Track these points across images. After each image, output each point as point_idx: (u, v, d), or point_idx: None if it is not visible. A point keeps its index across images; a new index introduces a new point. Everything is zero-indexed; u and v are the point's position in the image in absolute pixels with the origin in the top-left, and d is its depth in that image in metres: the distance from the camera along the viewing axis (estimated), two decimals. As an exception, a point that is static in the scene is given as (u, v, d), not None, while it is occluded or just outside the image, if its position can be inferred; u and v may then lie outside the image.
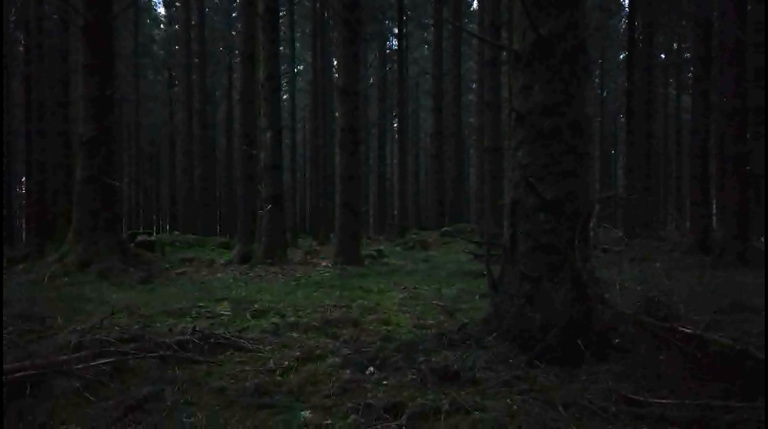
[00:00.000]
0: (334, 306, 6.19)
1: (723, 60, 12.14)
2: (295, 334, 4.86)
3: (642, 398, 2.98)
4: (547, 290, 3.81)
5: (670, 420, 2.75)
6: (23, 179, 32.63)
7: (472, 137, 41.85)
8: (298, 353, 4.14)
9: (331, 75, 31.45)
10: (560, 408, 2.92)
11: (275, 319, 5.33)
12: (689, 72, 31.58)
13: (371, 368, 3.73)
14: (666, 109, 34.53)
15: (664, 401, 2.92)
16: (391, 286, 8.15)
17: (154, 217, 48.09)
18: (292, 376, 3.64)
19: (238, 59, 25.71)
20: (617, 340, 3.75)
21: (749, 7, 12.66)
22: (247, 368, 3.81)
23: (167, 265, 12.15)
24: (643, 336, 3.81)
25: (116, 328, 4.70)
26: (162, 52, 40.58)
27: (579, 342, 3.56)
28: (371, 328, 5.01)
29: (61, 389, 3.34)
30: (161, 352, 3.99)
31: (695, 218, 14.55)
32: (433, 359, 3.72)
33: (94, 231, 10.95)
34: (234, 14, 35.59)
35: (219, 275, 10.86)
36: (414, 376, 3.50)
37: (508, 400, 3.06)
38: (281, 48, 23.82)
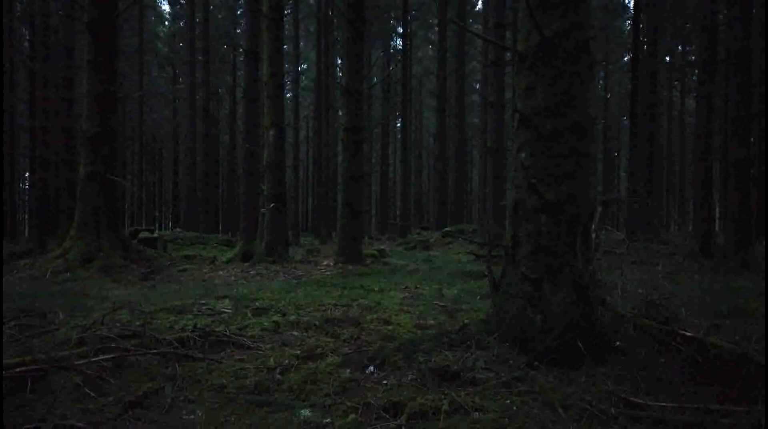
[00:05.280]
0: (335, 305, 6.19)
1: (728, 66, 12.12)
2: (295, 333, 4.87)
3: (641, 401, 2.98)
4: (548, 292, 3.81)
5: (669, 423, 2.75)
6: (26, 175, 32.75)
7: (475, 138, 41.91)
8: (298, 351, 4.15)
9: (335, 74, 31.47)
10: (560, 410, 2.92)
11: (276, 318, 5.33)
12: (693, 75, 31.60)
13: (371, 367, 3.74)
14: (670, 112, 34.50)
15: (663, 404, 2.92)
16: (392, 286, 8.16)
17: (157, 214, 48.23)
18: (292, 374, 3.64)
19: (242, 57, 25.78)
20: (617, 343, 3.75)
21: (754, 10, 12.62)
22: (247, 366, 3.81)
23: (169, 262, 12.18)
24: (644, 339, 3.81)
25: (117, 324, 4.71)
26: (166, 49, 40.63)
27: (579, 344, 3.56)
28: (372, 327, 5.01)
29: (61, 385, 3.35)
30: (162, 349, 4.00)
31: (697, 222, 14.53)
32: (433, 359, 3.71)
33: (96, 227, 10.99)
34: (239, 12, 35.64)
35: (220, 273, 10.88)
36: (414, 376, 3.50)
37: (508, 401, 3.06)
38: (285, 46, 23.84)
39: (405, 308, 6.08)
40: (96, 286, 8.58)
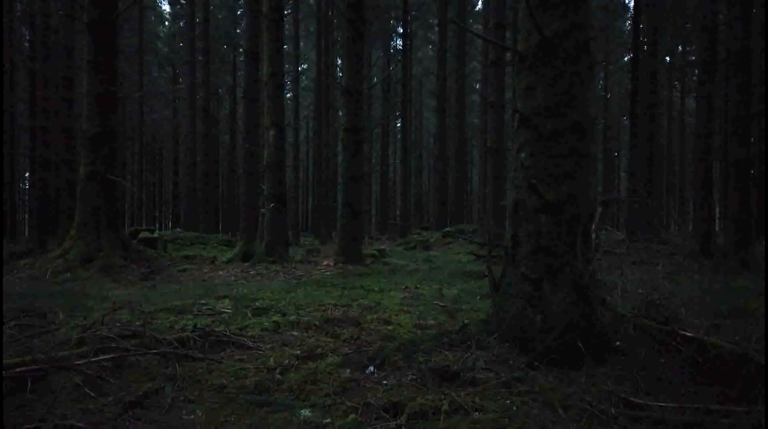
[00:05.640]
0: (335, 305, 6.19)
1: (728, 66, 12.12)
2: (295, 333, 4.87)
3: (641, 401, 2.98)
4: (548, 292, 3.80)
5: (669, 423, 2.75)
6: (27, 175, 32.77)
7: (475, 138, 41.92)
8: (298, 351, 4.15)
9: (335, 74, 31.46)
10: (560, 410, 2.92)
11: (276, 318, 5.33)
12: (693, 75, 31.60)
13: (371, 367, 3.74)
14: (670, 112, 34.51)
15: (663, 404, 2.92)
16: (392, 286, 8.16)
17: (157, 214, 48.24)
18: (292, 374, 3.64)
19: (242, 57, 25.77)
20: (617, 343, 3.75)
21: (754, 10, 12.63)
22: (247, 366, 3.81)
23: (169, 262, 12.18)
24: (644, 339, 3.81)
25: (117, 324, 4.71)
26: (166, 49, 40.64)
27: (579, 344, 3.56)
28: (372, 327, 5.01)
29: (61, 385, 3.35)
30: (162, 349, 4.00)
31: (698, 222, 14.54)
32: (433, 359, 3.71)
33: (96, 227, 10.99)
34: (239, 12, 35.64)
35: (220, 273, 10.88)
36: (414, 376, 3.50)
37: (508, 401, 3.06)
38: (285, 46, 23.85)
39: (405, 308, 6.08)
40: (96, 286, 8.58)
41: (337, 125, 29.50)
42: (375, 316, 5.52)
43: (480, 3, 39.62)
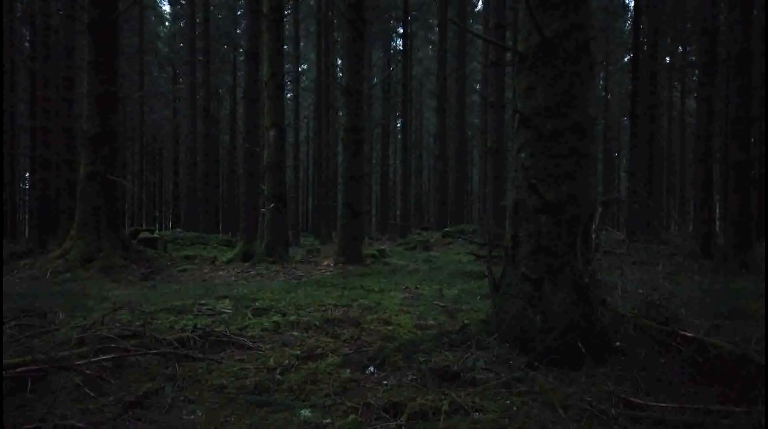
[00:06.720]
0: (335, 305, 6.19)
1: (729, 68, 12.13)
2: (295, 333, 4.87)
3: (642, 401, 2.98)
4: (548, 292, 3.80)
5: (669, 423, 2.75)
6: (27, 175, 32.78)
7: (475, 138, 41.92)
8: (298, 352, 4.15)
9: (335, 74, 31.45)
10: (560, 410, 2.92)
11: (276, 318, 5.33)
12: (694, 76, 31.60)
13: (371, 368, 3.74)
14: (670, 113, 34.50)
15: (663, 404, 2.92)
16: (393, 286, 8.15)
17: (157, 214, 48.25)
18: (292, 374, 3.64)
19: (242, 57, 25.77)
20: (618, 343, 3.75)
21: (755, 12, 12.63)
22: (248, 366, 3.81)
23: (169, 262, 12.18)
24: (644, 339, 3.81)
25: (117, 324, 4.71)
26: (166, 49, 40.65)
27: (579, 344, 3.56)
28: (372, 327, 5.00)
29: (61, 385, 3.35)
30: (162, 349, 4.00)
31: (698, 223, 14.54)
32: (434, 359, 3.71)
33: (96, 227, 11.00)
34: (239, 12, 35.64)
35: (220, 273, 10.88)
36: (414, 376, 3.50)
37: (508, 402, 3.06)
38: (285, 47, 23.84)
39: (405, 308, 6.08)
40: (96, 286, 8.58)
41: (337, 125, 29.51)
42: (375, 316, 5.52)
43: (480, 3, 39.63)
